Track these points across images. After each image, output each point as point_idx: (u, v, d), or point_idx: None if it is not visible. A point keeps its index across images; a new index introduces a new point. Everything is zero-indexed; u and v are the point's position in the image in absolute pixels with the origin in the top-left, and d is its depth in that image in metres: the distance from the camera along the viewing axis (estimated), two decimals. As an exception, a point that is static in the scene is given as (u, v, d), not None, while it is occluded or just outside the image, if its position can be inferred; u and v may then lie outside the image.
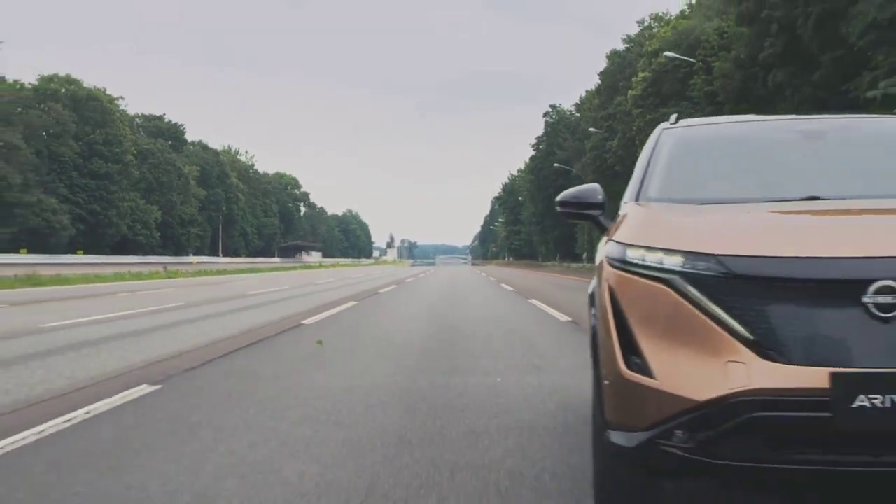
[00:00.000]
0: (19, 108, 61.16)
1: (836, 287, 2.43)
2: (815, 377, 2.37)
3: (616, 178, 49.28)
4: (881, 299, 2.37)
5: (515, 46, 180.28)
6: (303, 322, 12.06)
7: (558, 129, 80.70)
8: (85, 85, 68.86)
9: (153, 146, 78.81)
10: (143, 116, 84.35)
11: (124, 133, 70.24)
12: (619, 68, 55.33)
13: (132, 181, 71.67)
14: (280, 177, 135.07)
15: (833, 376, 2.34)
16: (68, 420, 4.89)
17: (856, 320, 2.40)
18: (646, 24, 55.81)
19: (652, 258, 2.67)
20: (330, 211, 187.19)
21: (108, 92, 70.98)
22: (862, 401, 2.31)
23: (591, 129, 59.25)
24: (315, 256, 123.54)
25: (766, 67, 27.89)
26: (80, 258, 53.76)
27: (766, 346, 2.43)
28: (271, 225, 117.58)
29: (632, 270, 2.72)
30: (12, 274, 32.84)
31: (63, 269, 41.37)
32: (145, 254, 70.63)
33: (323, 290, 24.81)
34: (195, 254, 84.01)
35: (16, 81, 64.82)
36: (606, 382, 2.80)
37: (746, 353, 2.45)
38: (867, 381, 2.32)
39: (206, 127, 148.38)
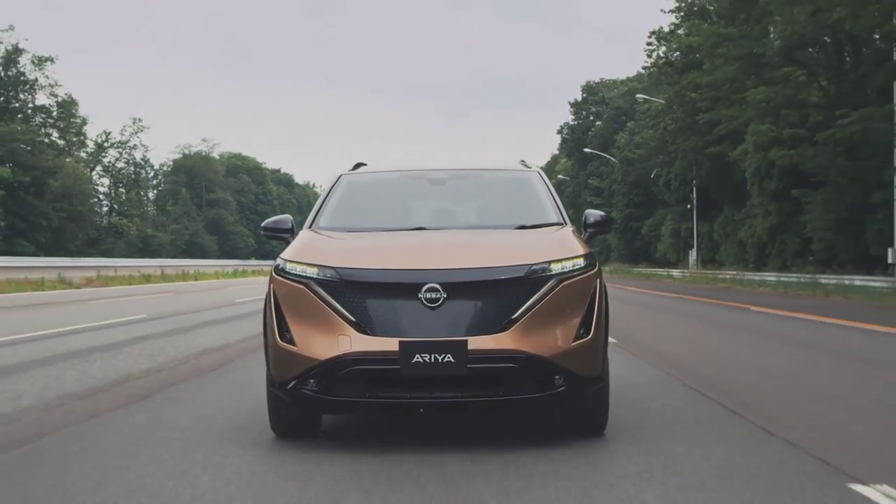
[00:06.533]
0: (223, 176, 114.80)
1: (403, 287, 4.10)
2: (390, 344, 4.01)
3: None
4: (429, 295, 4.05)
5: (529, 52, 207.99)
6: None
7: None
8: (248, 156, 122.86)
9: (280, 191, 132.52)
10: (271, 170, 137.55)
11: (271, 188, 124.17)
12: (558, 155, 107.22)
13: (275, 215, 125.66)
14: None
15: (401, 343, 4.00)
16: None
17: (415, 308, 4.05)
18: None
19: (298, 269, 4.29)
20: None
21: (258, 160, 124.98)
22: (417, 358, 3.97)
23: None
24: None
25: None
26: (257, 263, 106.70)
27: (363, 325, 4.08)
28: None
29: (286, 276, 4.34)
30: (231, 269, 70.59)
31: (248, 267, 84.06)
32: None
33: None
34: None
35: (209, 156, 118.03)
36: (270, 350, 4.38)
37: (350, 330, 4.08)
38: (420, 346, 3.99)
39: (225, 129, 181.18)
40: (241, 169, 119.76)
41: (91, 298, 22.71)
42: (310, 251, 4.50)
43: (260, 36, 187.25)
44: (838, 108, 28.12)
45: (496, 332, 4.04)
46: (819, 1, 25.50)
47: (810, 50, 33.25)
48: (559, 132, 79.31)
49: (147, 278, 38.64)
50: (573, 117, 79.73)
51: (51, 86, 66.48)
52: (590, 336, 4.25)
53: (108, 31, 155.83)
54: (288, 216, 5.21)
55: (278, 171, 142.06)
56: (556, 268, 4.23)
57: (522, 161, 5.98)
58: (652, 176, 54.31)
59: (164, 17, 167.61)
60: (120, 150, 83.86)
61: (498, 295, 4.11)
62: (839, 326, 13.12)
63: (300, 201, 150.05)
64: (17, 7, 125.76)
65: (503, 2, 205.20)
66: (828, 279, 26.63)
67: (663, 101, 45.78)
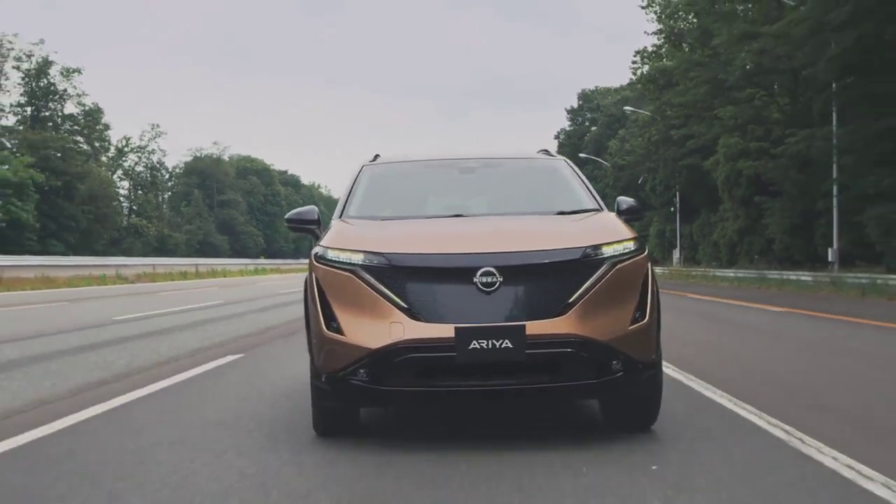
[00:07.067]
0: (233, 178, 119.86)
1: (457, 272, 4.06)
2: (445, 330, 3.95)
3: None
4: (484, 279, 4.01)
5: (529, 52, 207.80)
6: None
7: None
8: (257, 158, 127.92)
9: (287, 191, 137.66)
10: (279, 172, 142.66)
11: (279, 189, 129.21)
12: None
13: (283, 215, 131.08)
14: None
15: (456, 329, 3.94)
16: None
17: (470, 293, 4.01)
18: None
19: (343, 256, 4.25)
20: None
21: (266, 161, 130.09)
22: (474, 344, 3.92)
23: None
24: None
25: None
26: (267, 261, 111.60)
27: (415, 312, 4.02)
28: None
29: (329, 264, 4.28)
30: (252, 267, 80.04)
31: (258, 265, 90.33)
32: (285, 258, 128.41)
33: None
34: (305, 258, 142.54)
35: (220, 159, 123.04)
36: (315, 340, 4.32)
37: (402, 317, 4.02)
38: (477, 332, 3.94)
39: (226, 129, 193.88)
40: (251, 171, 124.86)
41: (158, 291, 27.44)
42: (352, 238, 4.45)
43: (260, 36, 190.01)
44: (791, 126, 33.01)
45: (553, 317, 4.01)
46: (766, 42, 30.26)
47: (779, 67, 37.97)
48: (556, 137, 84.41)
49: (184, 275, 43.56)
50: (569, 123, 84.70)
51: (78, 95, 71.56)
52: (645, 320, 4.25)
53: (108, 31, 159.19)
54: (313, 207, 5.18)
55: (285, 172, 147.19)
56: (608, 251, 4.22)
57: (546, 150, 6.03)
58: (640, 181, 59.22)
59: (164, 17, 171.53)
60: (139, 154, 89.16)
61: (554, 278, 4.08)
62: (737, 306, 17.98)
63: (306, 202, 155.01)
64: (17, 7, 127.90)
65: (503, 2, 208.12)
66: (772, 274, 31.53)
67: (649, 113, 50.64)
